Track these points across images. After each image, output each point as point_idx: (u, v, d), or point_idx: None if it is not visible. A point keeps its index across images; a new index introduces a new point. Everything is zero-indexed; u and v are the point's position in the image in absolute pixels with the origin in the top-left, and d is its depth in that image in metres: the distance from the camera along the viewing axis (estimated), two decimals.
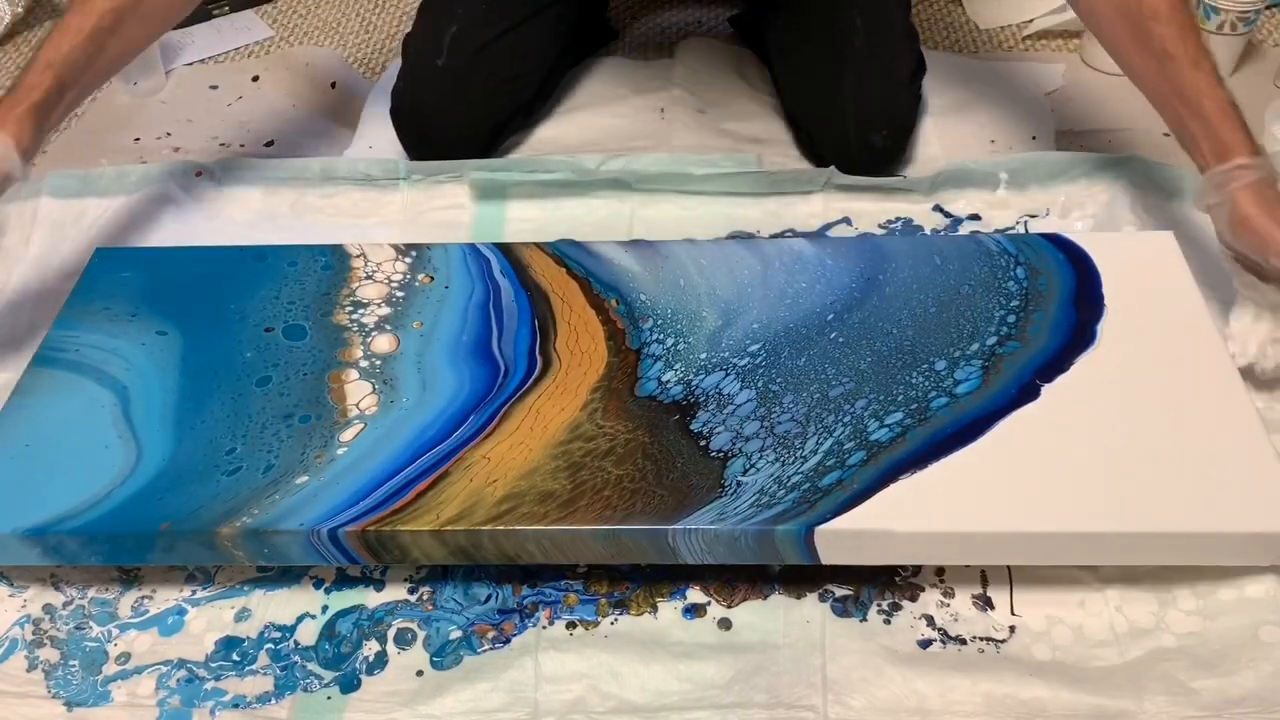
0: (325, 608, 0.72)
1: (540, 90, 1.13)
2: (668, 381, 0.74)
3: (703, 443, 0.70)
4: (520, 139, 1.12)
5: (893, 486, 0.67)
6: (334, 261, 0.85)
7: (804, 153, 1.09)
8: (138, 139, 1.17)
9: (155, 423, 0.73)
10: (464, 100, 1.04)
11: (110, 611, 0.72)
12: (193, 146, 1.15)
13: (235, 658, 0.69)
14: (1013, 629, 0.69)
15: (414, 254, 0.85)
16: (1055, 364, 0.74)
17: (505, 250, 0.85)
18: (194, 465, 0.70)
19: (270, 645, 0.70)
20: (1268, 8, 1.25)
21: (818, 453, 0.69)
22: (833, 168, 0.98)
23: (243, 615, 0.72)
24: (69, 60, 0.81)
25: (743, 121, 1.14)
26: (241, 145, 1.15)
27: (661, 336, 0.78)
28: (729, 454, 0.70)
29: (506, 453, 0.70)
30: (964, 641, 0.69)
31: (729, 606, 0.71)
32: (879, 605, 0.71)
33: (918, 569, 0.73)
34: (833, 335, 0.77)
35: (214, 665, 0.69)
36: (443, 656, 0.69)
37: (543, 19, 1.09)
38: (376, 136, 1.11)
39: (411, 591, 0.73)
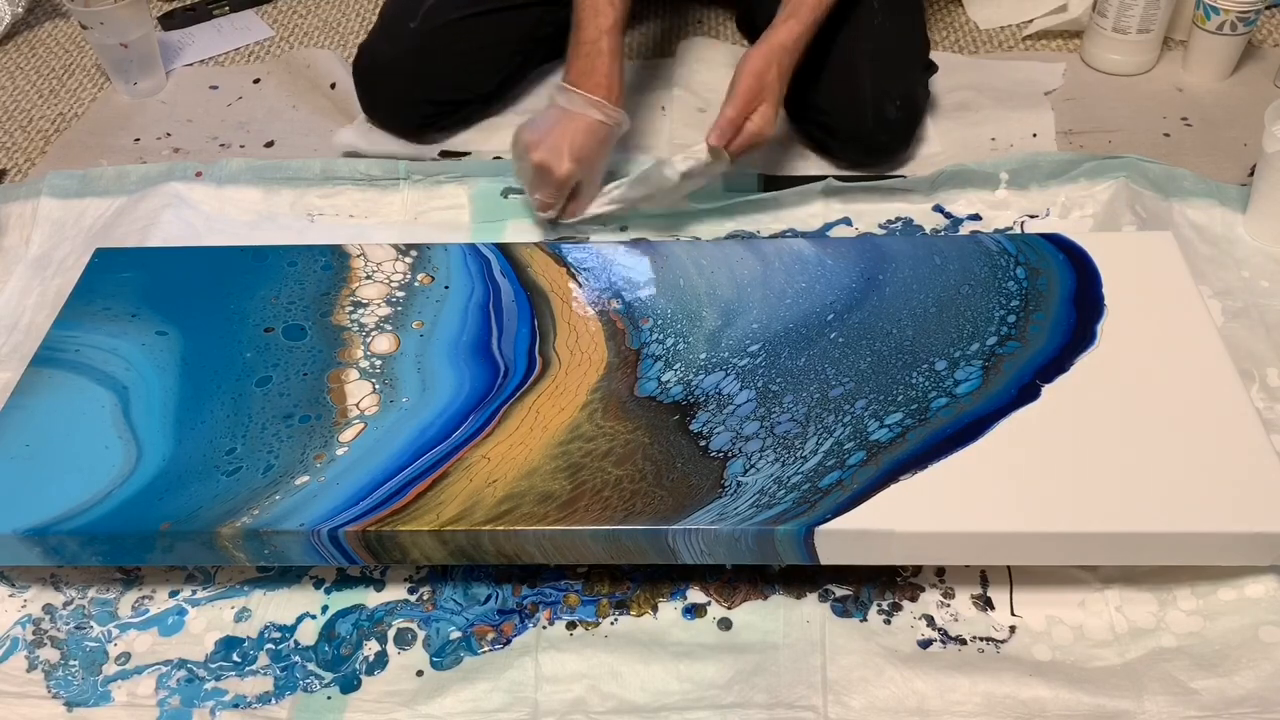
0: (325, 608, 0.72)
1: (505, 80, 1.13)
2: (668, 381, 0.74)
3: (703, 443, 0.70)
4: None
5: (893, 486, 0.67)
6: (334, 261, 0.85)
7: (805, 142, 1.09)
8: (138, 139, 1.17)
9: (155, 423, 0.73)
10: (426, 60, 1.05)
11: (110, 611, 0.72)
12: (193, 146, 1.15)
13: (235, 658, 0.69)
14: (1013, 629, 0.69)
15: (414, 254, 0.85)
16: (1055, 364, 0.74)
17: (505, 250, 0.85)
18: (194, 465, 0.70)
19: (270, 645, 0.70)
20: (1268, 8, 1.25)
21: (818, 453, 0.69)
22: (829, 179, 0.98)
23: (243, 615, 0.72)
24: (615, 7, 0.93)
25: None
26: (241, 145, 1.15)
27: (661, 336, 0.78)
28: (729, 454, 0.70)
29: (506, 453, 0.70)
30: (964, 641, 0.69)
31: (729, 606, 0.71)
32: (879, 605, 0.71)
33: (918, 569, 0.73)
34: (833, 335, 0.77)
35: (214, 665, 0.69)
36: (443, 656, 0.69)
37: (524, 14, 1.10)
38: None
39: (411, 591, 0.73)
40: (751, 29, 1.24)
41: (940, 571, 0.73)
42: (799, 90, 1.11)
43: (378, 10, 1.15)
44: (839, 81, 1.04)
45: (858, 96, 1.02)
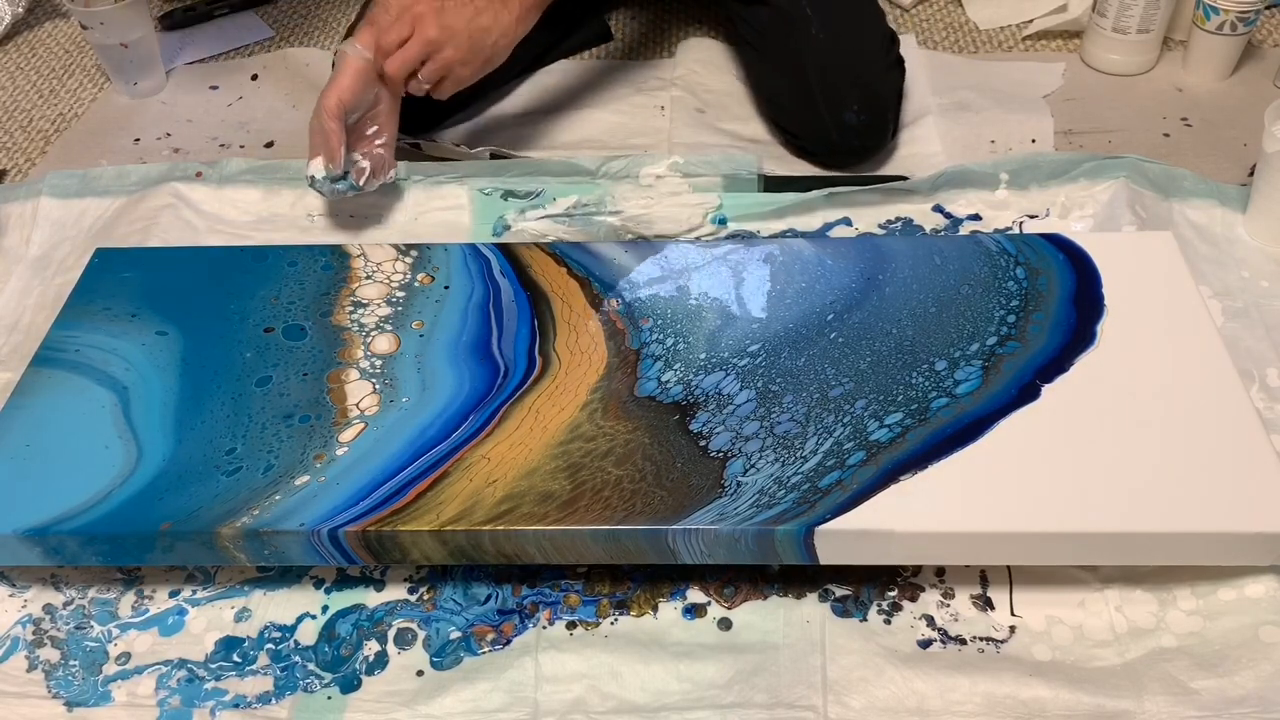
0: (325, 608, 0.72)
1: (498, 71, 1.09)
2: (668, 381, 0.74)
3: (702, 443, 0.70)
4: (518, 137, 1.12)
5: (893, 486, 0.67)
6: (334, 261, 0.85)
7: (796, 155, 1.09)
8: (138, 139, 1.17)
9: (155, 423, 0.73)
10: None
11: (111, 611, 0.72)
12: (193, 146, 1.15)
13: (235, 658, 0.69)
14: (1013, 629, 0.69)
15: (414, 254, 0.85)
16: (1055, 364, 0.74)
17: (505, 250, 0.85)
18: (194, 465, 0.70)
19: (270, 645, 0.70)
20: (1268, 8, 1.25)
21: (817, 453, 0.69)
22: (829, 190, 0.98)
23: (243, 615, 0.72)
24: None
25: (742, 122, 1.14)
26: (241, 145, 1.15)
27: (661, 336, 0.78)
28: (729, 454, 0.70)
29: (506, 453, 0.70)
30: (964, 641, 0.69)
31: (729, 607, 0.71)
32: (879, 605, 0.71)
33: (918, 569, 0.73)
34: (833, 335, 0.77)
35: (214, 665, 0.69)
36: (443, 656, 0.69)
37: None
38: None
39: (411, 591, 0.73)
40: (731, 31, 1.24)
41: (940, 571, 0.73)
42: (768, 116, 1.12)
43: None
44: (792, 103, 1.05)
45: (813, 113, 1.02)
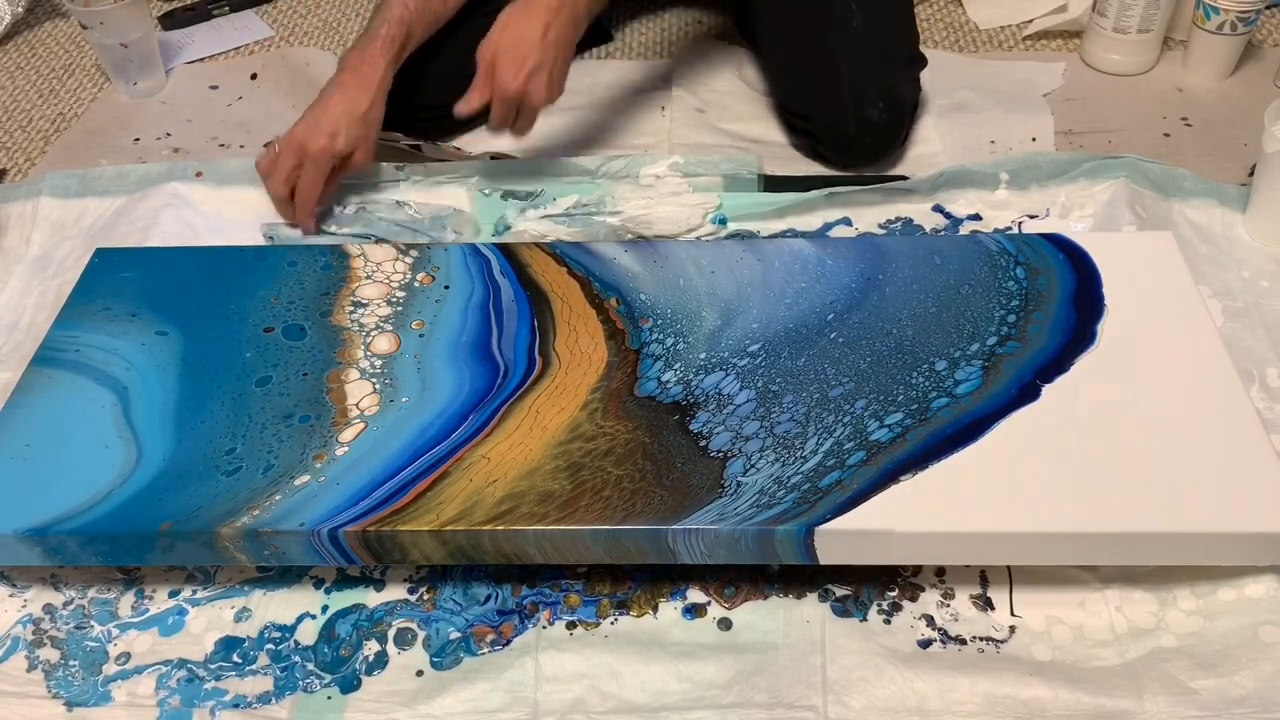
0: (325, 607, 0.72)
1: None
2: (668, 381, 0.74)
3: (702, 443, 0.70)
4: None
5: (893, 487, 0.67)
6: (334, 261, 0.85)
7: (799, 148, 1.09)
8: (138, 139, 1.17)
9: (155, 423, 0.73)
10: (409, 62, 1.01)
11: (110, 611, 0.72)
12: (193, 146, 1.15)
13: (235, 658, 0.69)
14: (1013, 629, 0.69)
15: (414, 254, 0.85)
16: (1055, 364, 0.74)
17: (505, 250, 0.85)
18: (194, 465, 0.70)
19: (270, 645, 0.70)
20: (1268, 8, 1.25)
21: (818, 453, 0.69)
22: (829, 190, 0.98)
23: (243, 615, 0.72)
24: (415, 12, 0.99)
25: (743, 122, 1.14)
26: (241, 145, 1.15)
27: (661, 336, 0.78)
28: (729, 454, 0.70)
29: (506, 453, 0.70)
30: (964, 641, 0.69)
31: (729, 607, 0.71)
32: (879, 605, 0.71)
33: (918, 569, 0.73)
34: (833, 335, 0.77)
35: (214, 665, 0.69)
36: (443, 656, 0.69)
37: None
38: None
39: (411, 591, 0.73)
40: (750, 30, 1.24)
41: (940, 571, 0.73)
42: (782, 100, 1.12)
43: None
44: (818, 88, 1.04)
45: (837, 101, 1.02)
